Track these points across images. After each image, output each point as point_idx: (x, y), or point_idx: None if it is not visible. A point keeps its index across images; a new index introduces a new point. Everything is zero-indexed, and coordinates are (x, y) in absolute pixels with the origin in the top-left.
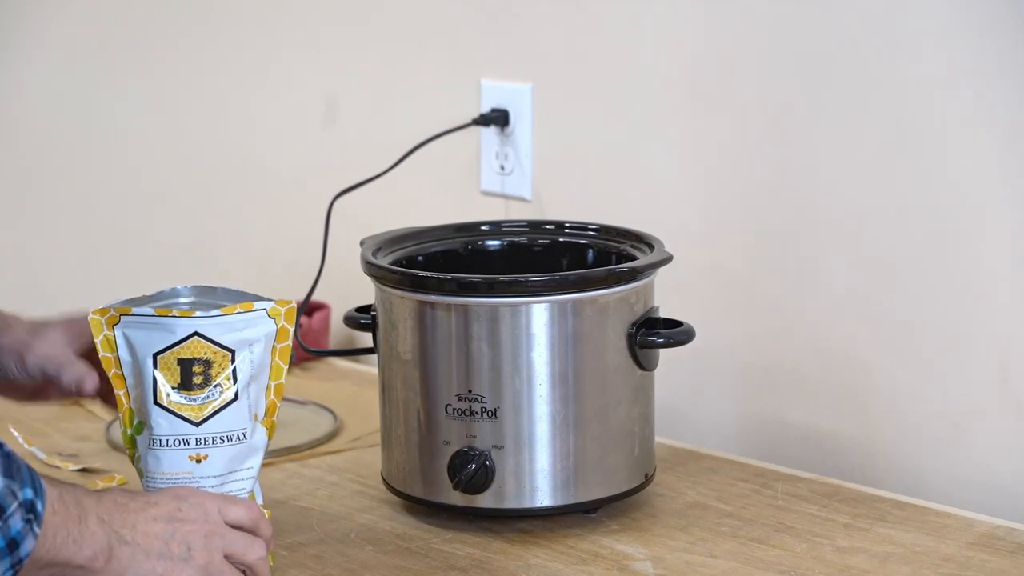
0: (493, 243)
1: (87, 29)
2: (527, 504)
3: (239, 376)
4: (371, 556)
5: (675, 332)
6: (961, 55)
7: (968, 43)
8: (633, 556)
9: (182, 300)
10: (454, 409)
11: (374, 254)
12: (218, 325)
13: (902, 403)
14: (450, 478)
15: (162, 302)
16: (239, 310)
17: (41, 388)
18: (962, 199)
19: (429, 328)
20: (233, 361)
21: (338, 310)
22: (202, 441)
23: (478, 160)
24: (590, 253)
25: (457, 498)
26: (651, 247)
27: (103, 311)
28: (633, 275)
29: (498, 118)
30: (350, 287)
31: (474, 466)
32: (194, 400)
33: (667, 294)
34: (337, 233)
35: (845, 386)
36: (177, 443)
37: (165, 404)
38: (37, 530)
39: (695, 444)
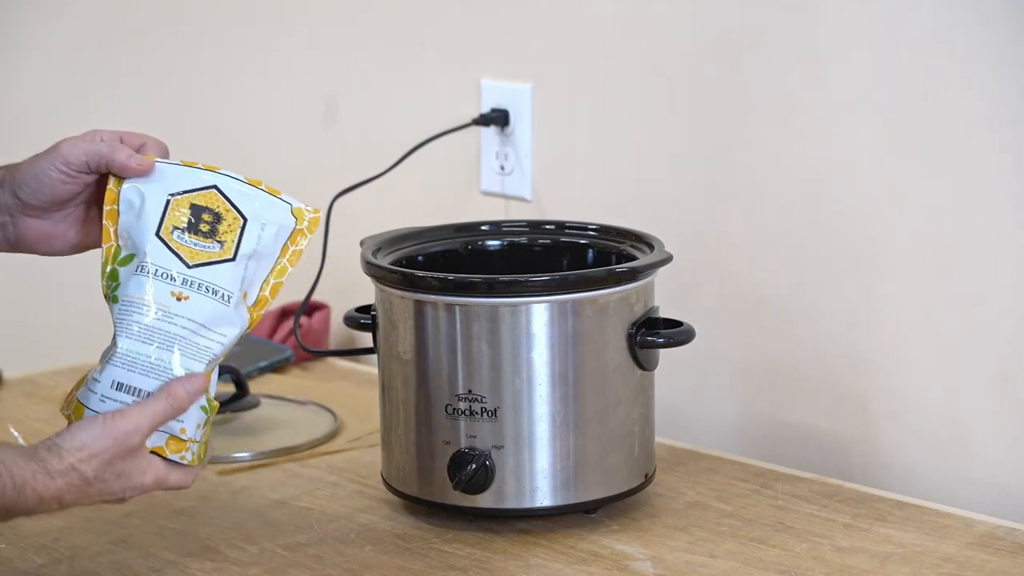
0: (493, 243)
1: (86, 29)
2: (527, 504)
3: (243, 243)
4: (371, 556)
5: (675, 332)
6: (961, 54)
7: (966, 41)
8: (633, 556)
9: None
10: (454, 409)
11: (374, 254)
12: (239, 190)
13: (902, 403)
14: (450, 478)
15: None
16: (263, 188)
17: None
18: (962, 199)
19: (429, 328)
20: (243, 228)
21: (338, 310)
22: (188, 283)
23: (478, 160)
24: (590, 253)
25: (457, 498)
26: (651, 247)
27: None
28: (633, 275)
29: (498, 118)
30: (350, 287)
31: (474, 466)
32: (194, 244)
33: (667, 294)
34: (337, 233)
35: (845, 386)
36: (165, 276)
37: (165, 238)
38: None
39: (695, 444)
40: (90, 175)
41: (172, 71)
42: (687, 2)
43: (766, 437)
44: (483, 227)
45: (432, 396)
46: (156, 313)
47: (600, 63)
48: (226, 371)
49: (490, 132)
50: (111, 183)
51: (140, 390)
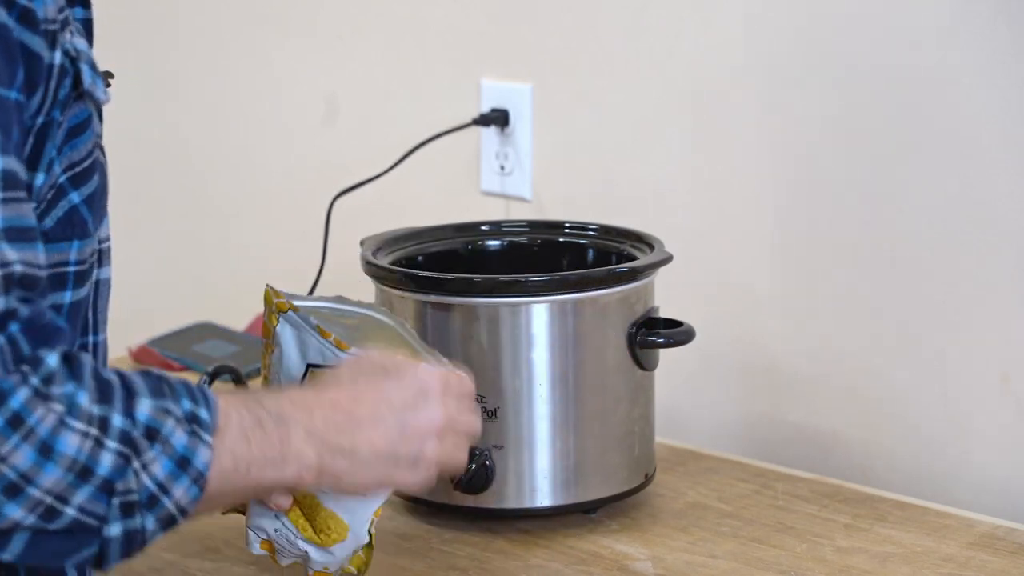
0: (493, 243)
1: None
2: (527, 504)
3: None
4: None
5: (675, 332)
6: (963, 56)
7: (968, 43)
8: (633, 556)
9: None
10: None
11: (374, 254)
12: None
13: (902, 403)
14: (450, 478)
15: (337, 309)
16: None
17: None
18: (962, 199)
19: (429, 328)
20: None
21: None
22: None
23: (478, 160)
24: (590, 253)
25: (457, 498)
26: (651, 247)
27: (278, 293)
28: (633, 275)
29: (498, 118)
30: (350, 287)
31: (474, 466)
32: None
33: (667, 294)
34: (337, 233)
35: (845, 386)
36: None
37: None
38: (208, 438)
39: (695, 444)
40: None
41: (172, 71)
42: (686, 2)
43: (766, 437)
44: (483, 227)
45: None
46: None
47: (600, 63)
48: (226, 371)
49: (490, 132)
50: (266, 314)
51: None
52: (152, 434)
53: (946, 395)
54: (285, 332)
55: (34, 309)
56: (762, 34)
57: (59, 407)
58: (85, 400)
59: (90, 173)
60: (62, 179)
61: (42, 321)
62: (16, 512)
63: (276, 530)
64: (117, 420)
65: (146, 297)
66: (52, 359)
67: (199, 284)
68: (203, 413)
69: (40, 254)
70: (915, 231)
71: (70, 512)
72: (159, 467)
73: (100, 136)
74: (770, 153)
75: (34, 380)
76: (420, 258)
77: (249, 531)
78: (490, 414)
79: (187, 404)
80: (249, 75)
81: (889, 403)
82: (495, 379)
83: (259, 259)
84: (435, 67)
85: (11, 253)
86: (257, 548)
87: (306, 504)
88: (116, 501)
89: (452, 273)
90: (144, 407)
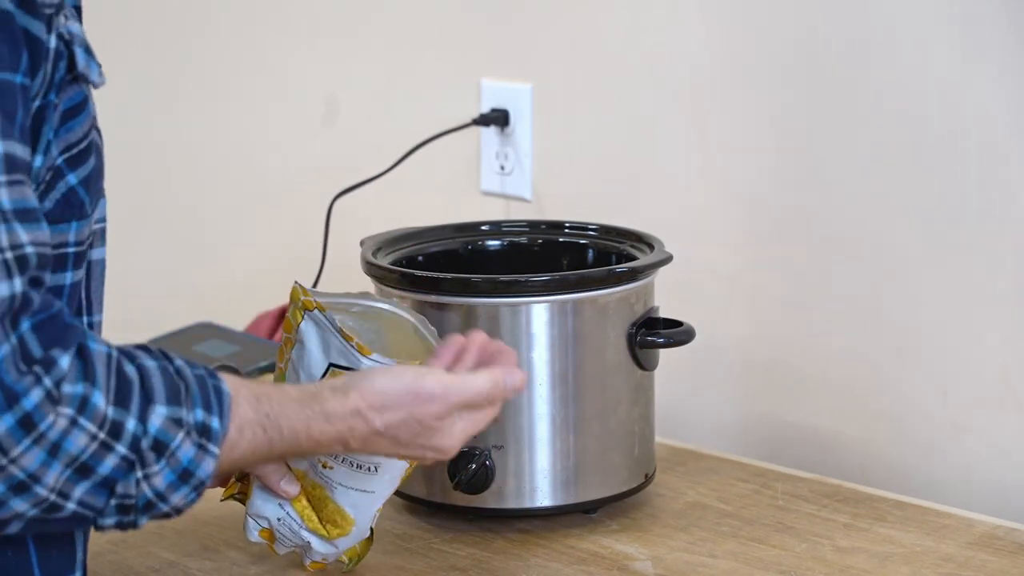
0: (493, 243)
1: (85, 29)
2: (527, 504)
3: None
4: (371, 556)
5: (675, 332)
6: (963, 56)
7: (969, 43)
8: (633, 556)
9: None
10: None
11: (374, 254)
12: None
13: (902, 403)
14: (450, 478)
15: (360, 304)
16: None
17: None
18: (962, 199)
19: None
20: None
21: None
22: (333, 455)
23: (478, 160)
24: (590, 253)
25: (457, 498)
26: (651, 247)
27: (306, 291)
28: (633, 275)
29: (498, 118)
30: (350, 287)
31: (474, 466)
32: None
33: (667, 294)
34: (337, 233)
35: (845, 386)
36: None
37: None
38: (215, 449)
39: (695, 444)
40: None
41: (173, 71)
42: (687, 2)
43: (766, 437)
44: (483, 227)
45: None
46: (305, 464)
47: (600, 63)
48: (226, 371)
49: (490, 132)
50: (290, 310)
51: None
52: (160, 448)
53: (946, 395)
54: (309, 330)
55: (44, 304)
56: (762, 34)
57: (70, 410)
58: (100, 401)
59: (86, 155)
60: (59, 160)
61: (54, 320)
62: (21, 506)
63: (279, 519)
64: (131, 425)
65: (146, 297)
66: (64, 360)
67: (199, 284)
68: (215, 423)
69: (46, 233)
70: (915, 231)
71: (70, 506)
72: (161, 479)
73: (95, 117)
74: (770, 153)
75: (47, 382)
76: (420, 258)
77: (248, 518)
78: None
79: (200, 414)
80: (249, 75)
81: (889, 403)
82: None
83: (259, 259)
84: (435, 67)
85: (23, 234)
86: (255, 536)
87: (315, 496)
88: (114, 501)
89: (452, 273)
90: (158, 416)
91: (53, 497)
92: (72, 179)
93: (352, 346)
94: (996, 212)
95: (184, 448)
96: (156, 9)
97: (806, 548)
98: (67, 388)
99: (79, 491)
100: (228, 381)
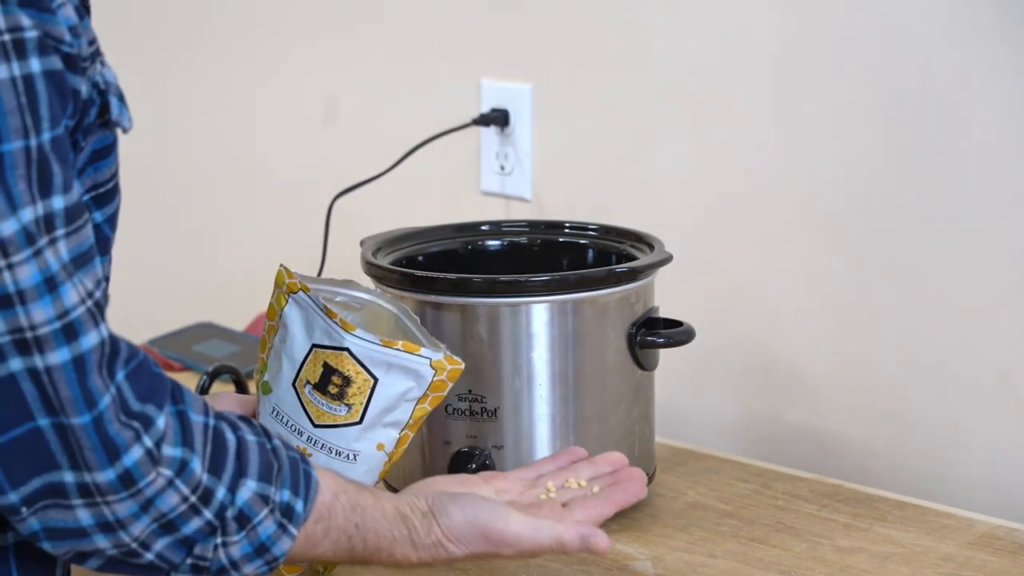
0: (493, 243)
1: None
2: None
3: (372, 405)
4: None
5: (675, 332)
6: (964, 57)
7: (969, 43)
8: (633, 556)
9: (356, 302)
10: (454, 409)
11: (374, 254)
12: (372, 352)
13: (902, 403)
14: None
15: (342, 294)
16: (399, 347)
17: None
18: (963, 200)
19: (429, 328)
20: (373, 389)
21: None
22: (312, 441)
23: (478, 160)
24: (590, 253)
25: None
26: (651, 247)
27: (291, 274)
28: (633, 275)
29: (498, 118)
30: None
31: (474, 466)
32: (322, 404)
33: (667, 294)
34: (337, 233)
35: (845, 386)
36: (294, 428)
37: (299, 390)
38: (294, 531)
39: (695, 444)
40: None
41: (172, 71)
42: (687, 2)
43: (766, 437)
44: (483, 227)
45: None
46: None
47: (600, 63)
48: (226, 371)
49: (490, 132)
50: (274, 295)
51: None
52: (243, 520)
53: (946, 395)
54: (292, 313)
55: (131, 352)
56: (763, 34)
57: (169, 471)
58: (198, 467)
59: (113, 194)
60: (86, 198)
61: (142, 369)
62: (104, 543)
63: None
64: (220, 494)
65: (146, 297)
66: (161, 420)
67: (199, 284)
68: (299, 506)
69: (99, 268)
70: (915, 231)
71: (149, 556)
72: (237, 549)
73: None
74: (770, 153)
75: (147, 441)
76: (420, 258)
77: None
78: (490, 414)
79: (287, 495)
80: (249, 75)
81: (889, 403)
82: (495, 379)
83: (259, 259)
84: (435, 67)
85: (88, 282)
86: None
87: None
88: (190, 560)
89: (452, 273)
90: (247, 490)
91: (134, 545)
92: (98, 216)
93: (335, 323)
94: (996, 212)
95: (265, 524)
96: (156, 9)
97: (806, 548)
98: (167, 450)
99: (160, 544)
100: (326, 481)
